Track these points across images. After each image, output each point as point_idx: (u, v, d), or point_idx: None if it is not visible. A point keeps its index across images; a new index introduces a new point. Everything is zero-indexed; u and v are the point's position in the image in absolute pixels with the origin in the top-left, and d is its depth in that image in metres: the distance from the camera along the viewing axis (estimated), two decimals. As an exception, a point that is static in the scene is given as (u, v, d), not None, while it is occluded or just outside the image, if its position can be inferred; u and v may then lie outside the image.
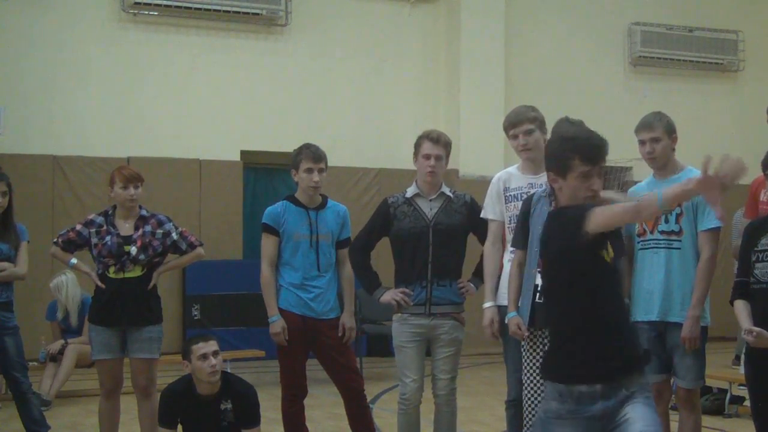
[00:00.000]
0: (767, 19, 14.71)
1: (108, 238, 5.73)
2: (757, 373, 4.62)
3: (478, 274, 5.36)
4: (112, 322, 5.73)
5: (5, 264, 6.06)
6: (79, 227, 5.86)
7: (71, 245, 5.89)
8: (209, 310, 10.94)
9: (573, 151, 3.48)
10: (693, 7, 14.20)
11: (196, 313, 10.77)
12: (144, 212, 5.87)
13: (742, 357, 5.48)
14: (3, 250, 6.07)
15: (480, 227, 5.35)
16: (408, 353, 5.35)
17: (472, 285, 5.41)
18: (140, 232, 5.75)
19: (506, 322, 4.92)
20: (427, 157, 5.35)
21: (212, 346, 5.17)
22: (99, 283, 5.76)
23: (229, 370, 5.93)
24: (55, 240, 5.93)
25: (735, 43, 14.35)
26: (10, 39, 11.16)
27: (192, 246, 5.94)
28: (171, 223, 5.90)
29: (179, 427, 5.29)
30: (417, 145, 5.43)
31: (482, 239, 5.33)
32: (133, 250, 5.70)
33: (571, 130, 4.11)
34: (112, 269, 5.74)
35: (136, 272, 5.74)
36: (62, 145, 11.22)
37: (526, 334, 4.80)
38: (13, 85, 11.12)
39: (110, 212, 5.86)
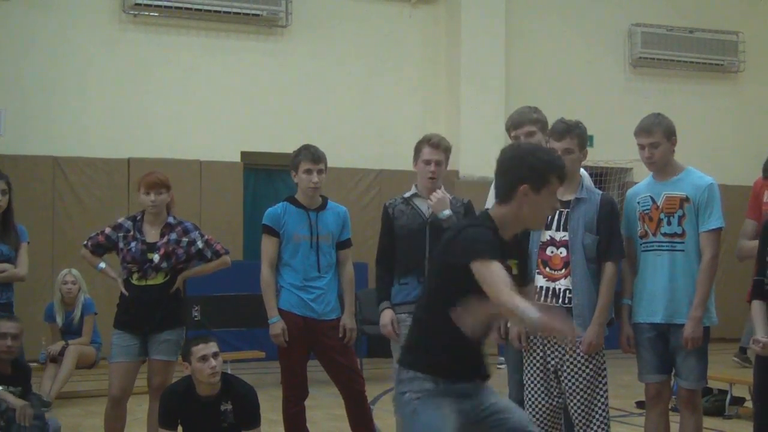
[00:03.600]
0: (767, 20, 14.71)
1: (133, 244, 5.72)
2: (764, 382, 4.59)
3: None
4: (134, 327, 5.73)
5: (5, 265, 6.04)
6: (108, 231, 5.86)
7: (100, 249, 5.88)
8: (209, 311, 10.91)
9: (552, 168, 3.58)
10: (693, 8, 14.20)
11: (196, 314, 10.74)
12: (171, 219, 5.84)
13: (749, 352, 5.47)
14: (3, 251, 6.05)
15: None
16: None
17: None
18: (165, 239, 5.74)
19: (508, 325, 4.93)
20: (428, 162, 5.37)
21: (212, 347, 5.17)
22: (123, 290, 5.78)
23: (229, 371, 5.93)
24: (85, 243, 5.93)
25: (735, 44, 14.35)
26: (10, 40, 11.17)
27: (217, 254, 5.91)
28: (197, 232, 5.88)
29: (179, 429, 5.29)
30: (417, 150, 5.44)
31: None
32: (156, 258, 5.70)
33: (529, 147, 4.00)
34: (135, 276, 5.73)
35: (158, 279, 5.73)
36: (63, 146, 11.22)
37: (524, 345, 4.84)
38: (14, 86, 11.12)
39: (138, 217, 5.86)
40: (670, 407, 5.14)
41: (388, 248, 5.45)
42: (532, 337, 4.83)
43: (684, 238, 4.86)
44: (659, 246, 4.89)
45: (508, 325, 4.93)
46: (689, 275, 4.84)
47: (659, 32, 13.93)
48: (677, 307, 4.84)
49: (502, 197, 3.59)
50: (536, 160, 3.57)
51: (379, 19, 12.81)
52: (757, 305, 4.59)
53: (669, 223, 4.88)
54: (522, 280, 3.83)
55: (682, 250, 4.86)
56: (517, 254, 3.76)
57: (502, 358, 10.14)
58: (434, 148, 5.37)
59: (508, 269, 3.46)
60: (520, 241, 4.22)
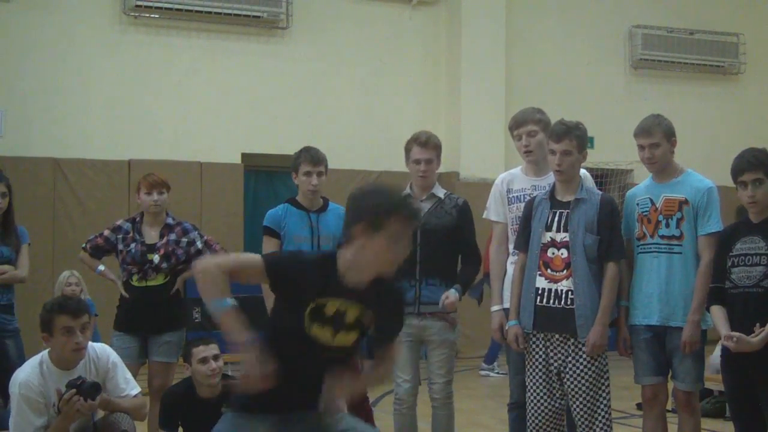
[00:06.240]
0: (768, 22, 14.73)
1: (132, 245, 5.74)
2: (734, 377, 4.60)
3: (461, 281, 5.28)
4: (134, 329, 5.73)
5: (6, 267, 6.05)
6: (107, 233, 5.87)
7: (99, 251, 5.90)
8: (210, 313, 10.94)
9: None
10: (694, 9, 14.20)
11: (197, 315, 10.75)
12: (170, 220, 5.88)
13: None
14: (4, 253, 6.06)
15: (463, 233, 5.28)
16: (399, 354, 5.32)
17: (453, 291, 5.17)
18: (164, 240, 5.76)
19: (506, 329, 4.93)
20: (417, 162, 5.38)
21: (213, 349, 5.17)
22: (123, 293, 5.78)
23: (230, 373, 5.92)
24: (83, 245, 5.94)
25: (736, 45, 14.35)
26: (11, 41, 11.17)
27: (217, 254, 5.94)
28: (196, 232, 5.93)
29: (180, 430, 5.29)
30: (407, 150, 5.45)
31: (463, 246, 5.27)
32: (156, 258, 5.72)
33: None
34: (135, 277, 5.75)
35: (158, 280, 5.76)
36: (63, 147, 11.22)
37: (522, 347, 4.84)
38: (15, 88, 11.12)
39: (138, 219, 5.88)
40: (668, 409, 5.14)
41: None
42: (533, 339, 4.83)
43: (681, 241, 4.86)
44: (656, 248, 4.89)
45: (506, 328, 4.94)
46: (685, 278, 4.84)
47: (660, 34, 13.93)
48: (673, 310, 4.84)
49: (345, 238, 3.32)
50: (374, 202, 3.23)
51: (380, 21, 12.81)
52: (716, 309, 4.60)
53: (667, 226, 4.88)
54: (375, 342, 3.44)
55: (680, 253, 4.86)
56: (375, 307, 3.33)
57: (492, 365, 10.10)
58: (423, 147, 5.37)
59: (340, 313, 3.26)
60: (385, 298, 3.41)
